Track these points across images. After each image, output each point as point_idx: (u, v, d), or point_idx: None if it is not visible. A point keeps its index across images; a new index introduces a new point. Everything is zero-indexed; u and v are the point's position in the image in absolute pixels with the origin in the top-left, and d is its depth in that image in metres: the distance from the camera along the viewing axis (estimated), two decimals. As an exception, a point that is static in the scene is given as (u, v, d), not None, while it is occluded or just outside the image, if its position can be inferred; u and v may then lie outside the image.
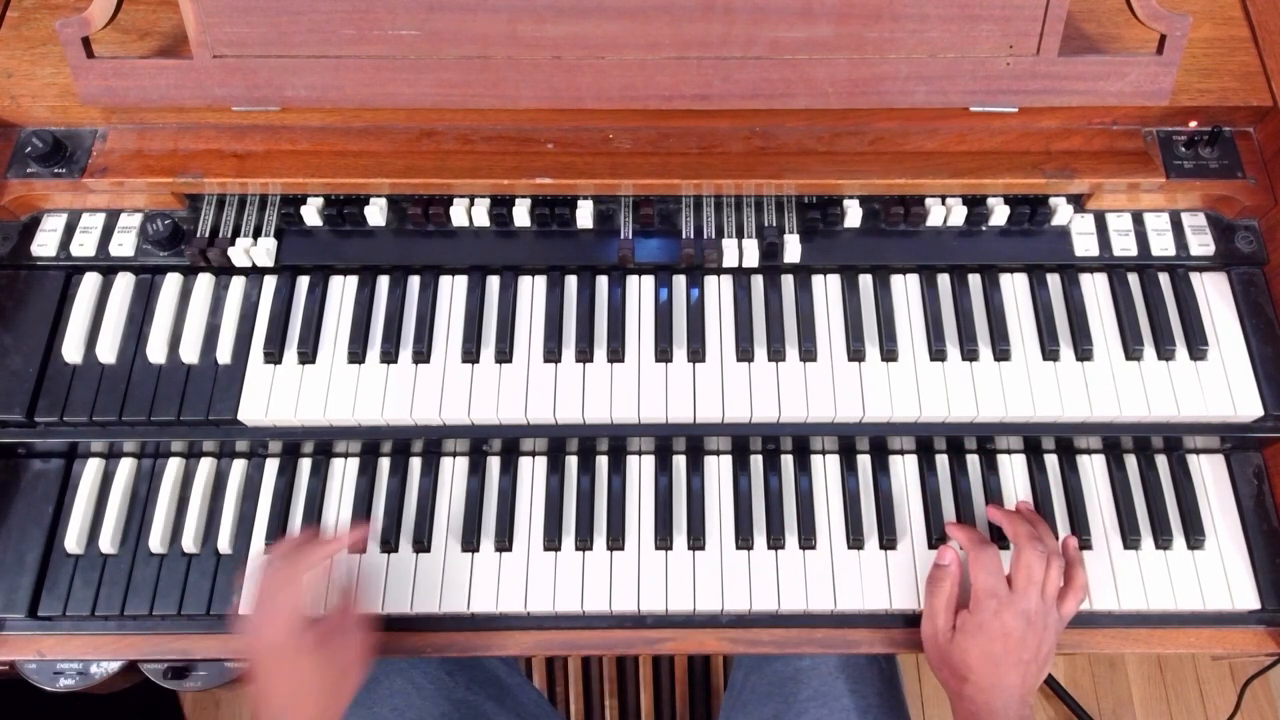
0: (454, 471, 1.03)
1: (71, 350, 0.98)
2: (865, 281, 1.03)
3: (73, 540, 0.97)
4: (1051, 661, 0.93)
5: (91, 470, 1.01)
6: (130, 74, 0.95)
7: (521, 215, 1.01)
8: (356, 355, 0.99)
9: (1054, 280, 1.03)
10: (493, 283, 1.03)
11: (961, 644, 0.91)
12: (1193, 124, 1.01)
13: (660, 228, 1.02)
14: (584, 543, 0.99)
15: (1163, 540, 0.99)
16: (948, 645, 0.92)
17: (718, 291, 1.02)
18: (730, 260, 1.01)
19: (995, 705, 0.89)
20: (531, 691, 1.22)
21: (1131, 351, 0.99)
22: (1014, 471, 1.03)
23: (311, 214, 1.01)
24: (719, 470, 1.03)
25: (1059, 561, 0.93)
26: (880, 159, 1.00)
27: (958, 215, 1.02)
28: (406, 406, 0.96)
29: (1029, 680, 0.90)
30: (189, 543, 0.98)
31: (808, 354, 0.99)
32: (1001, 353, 0.99)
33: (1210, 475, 1.03)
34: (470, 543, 0.98)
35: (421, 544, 0.98)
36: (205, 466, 1.02)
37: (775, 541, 0.98)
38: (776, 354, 0.99)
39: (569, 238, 1.03)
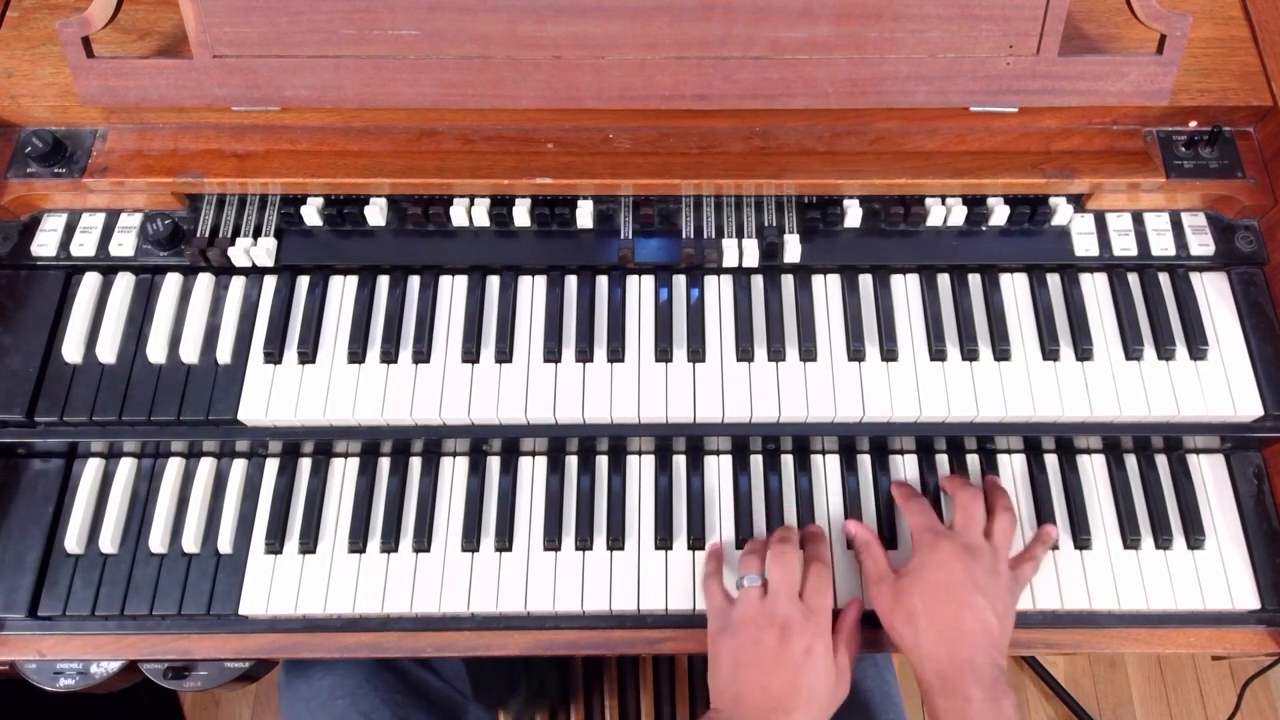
0: (454, 471, 1.03)
1: (71, 350, 0.98)
2: (865, 281, 1.03)
3: (73, 540, 0.97)
4: (1011, 623, 0.89)
5: (91, 470, 1.01)
6: (130, 74, 0.95)
7: (521, 215, 1.01)
8: (356, 355, 0.99)
9: (1054, 280, 1.03)
10: (493, 283, 1.03)
11: (906, 585, 0.89)
12: (1193, 124, 1.01)
13: (660, 228, 1.02)
14: (584, 543, 0.99)
15: (1163, 540, 0.99)
16: (892, 591, 0.90)
17: (718, 291, 1.02)
18: (730, 260, 1.01)
19: (960, 656, 0.84)
20: (475, 710, 1.21)
21: (1131, 351, 0.99)
22: (1014, 471, 1.03)
23: (311, 214, 1.01)
24: (719, 470, 1.03)
25: (1010, 517, 0.94)
26: (880, 159, 1.00)
27: (958, 215, 1.02)
28: (406, 406, 0.96)
29: (990, 626, 0.85)
30: (189, 543, 0.98)
31: (808, 354, 0.99)
32: (1001, 353, 0.99)
33: (1210, 475, 1.03)
34: (470, 543, 0.98)
35: (421, 544, 0.98)
36: (205, 466, 1.02)
37: (775, 541, 0.98)
38: (776, 354, 0.99)
39: (569, 238, 1.03)
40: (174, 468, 1.01)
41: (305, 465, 1.02)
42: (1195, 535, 0.99)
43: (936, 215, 1.01)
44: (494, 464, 1.03)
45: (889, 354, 0.99)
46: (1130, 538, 0.99)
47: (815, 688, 0.86)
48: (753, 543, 0.96)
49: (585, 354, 0.99)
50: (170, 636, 0.97)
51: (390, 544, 0.98)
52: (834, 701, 0.88)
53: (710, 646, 0.91)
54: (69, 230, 1.02)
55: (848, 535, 0.98)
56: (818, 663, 0.86)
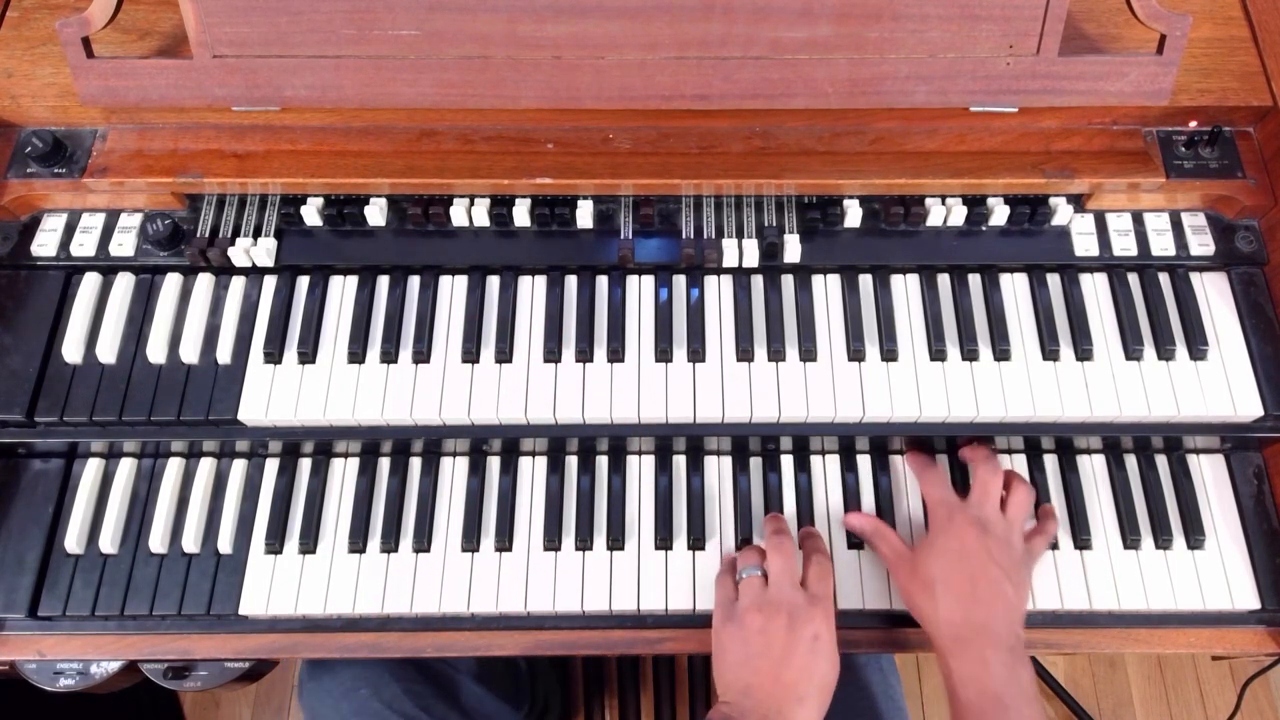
0: (454, 471, 1.03)
1: (71, 350, 0.98)
2: (865, 281, 1.03)
3: (73, 540, 0.97)
4: (1027, 594, 0.89)
5: (91, 470, 1.01)
6: (130, 74, 0.95)
7: (521, 215, 1.01)
8: (356, 355, 0.99)
9: (1054, 280, 1.03)
10: (493, 283, 1.03)
11: (923, 557, 0.90)
12: (1193, 124, 1.01)
13: (660, 228, 1.02)
14: (584, 543, 0.99)
15: (1163, 540, 0.99)
16: (910, 563, 0.91)
17: (718, 291, 1.02)
18: (730, 260, 1.01)
19: (976, 619, 0.85)
20: (492, 702, 1.21)
21: (1131, 351, 0.99)
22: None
23: (311, 214, 1.01)
24: (719, 470, 1.03)
25: (1027, 491, 0.94)
26: (880, 159, 1.00)
27: (958, 215, 1.02)
28: (406, 406, 0.96)
29: (1005, 594, 0.86)
30: (189, 543, 0.98)
31: (808, 354, 0.99)
32: (1001, 353, 0.99)
33: (1210, 475, 1.03)
34: (470, 543, 0.98)
35: (421, 544, 0.98)
36: (205, 466, 1.02)
37: (775, 541, 0.98)
38: (776, 354, 0.99)
39: (569, 238, 1.03)
40: (174, 468, 1.01)
41: (305, 465, 1.02)
42: (1195, 535, 0.99)
43: (936, 215, 1.01)
44: (494, 464, 1.03)
45: (889, 354, 0.99)
46: (1130, 538, 0.99)
47: (826, 675, 0.86)
48: (750, 545, 0.97)
49: (585, 354, 0.99)
50: (170, 636, 0.97)
51: (390, 544, 0.98)
52: (834, 685, 0.88)
53: (715, 640, 0.90)
54: (69, 230, 1.02)
55: (851, 528, 0.98)
56: (825, 648, 0.86)
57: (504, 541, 0.98)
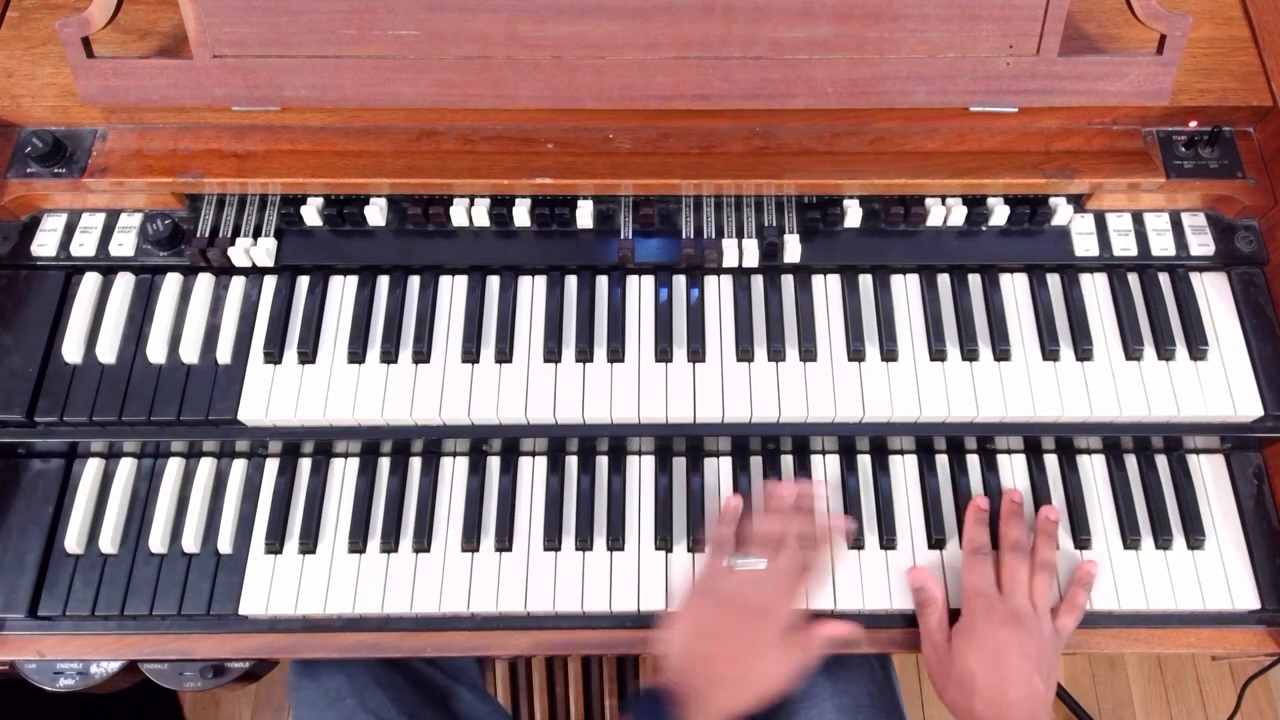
0: (454, 471, 1.03)
1: (71, 350, 0.98)
2: (865, 281, 1.03)
3: (73, 540, 0.97)
4: (1055, 680, 0.92)
5: (91, 470, 1.01)
6: (130, 74, 0.95)
7: (521, 215, 1.01)
8: (356, 355, 0.99)
9: (1054, 280, 1.03)
10: (493, 283, 1.03)
11: (959, 648, 0.91)
12: (1193, 124, 1.01)
13: (660, 228, 1.02)
14: (584, 543, 0.99)
15: (1163, 540, 0.99)
16: (946, 657, 0.92)
17: (718, 291, 1.02)
18: (730, 260, 1.01)
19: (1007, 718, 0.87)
20: (485, 708, 1.21)
21: (1131, 351, 0.99)
22: (1014, 471, 1.03)
23: (311, 214, 1.01)
24: (719, 470, 1.03)
25: (1047, 574, 0.94)
26: (880, 159, 1.00)
27: (958, 215, 1.02)
28: (406, 406, 0.96)
29: (1036, 691, 0.88)
30: (189, 543, 0.98)
31: (808, 354, 0.99)
32: (1001, 353, 0.99)
33: (1210, 475, 1.03)
34: (470, 543, 0.98)
35: (421, 544, 0.98)
36: (205, 466, 1.02)
37: (775, 541, 0.98)
38: (776, 354, 0.99)
39: (569, 238, 1.03)
40: (174, 468, 1.01)
41: (305, 465, 1.02)
42: (1195, 535, 0.99)
43: (936, 215, 1.01)
44: (494, 464, 1.03)
45: (889, 354, 0.99)
46: (1130, 538, 0.99)
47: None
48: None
49: (585, 354, 0.99)
50: (170, 636, 0.97)
51: (390, 544, 0.98)
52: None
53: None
54: (69, 230, 1.02)
55: (913, 585, 0.97)
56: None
57: (504, 541, 0.98)
